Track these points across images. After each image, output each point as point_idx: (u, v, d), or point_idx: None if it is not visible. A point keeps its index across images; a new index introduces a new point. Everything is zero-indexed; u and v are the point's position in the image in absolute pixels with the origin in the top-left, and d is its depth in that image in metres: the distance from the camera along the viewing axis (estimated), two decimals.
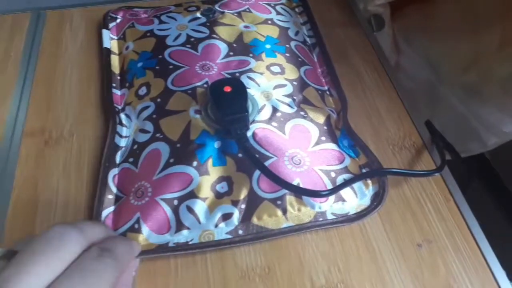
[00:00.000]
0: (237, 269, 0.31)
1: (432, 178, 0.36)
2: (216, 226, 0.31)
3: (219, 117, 0.34)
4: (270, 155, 0.34)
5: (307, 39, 0.47)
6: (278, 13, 0.47)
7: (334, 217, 0.33)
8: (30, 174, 0.36)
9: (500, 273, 0.32)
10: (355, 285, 0.31)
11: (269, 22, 0.45)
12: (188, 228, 0.31)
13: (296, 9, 0.51)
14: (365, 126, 0.40)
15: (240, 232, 0.31)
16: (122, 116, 0.38)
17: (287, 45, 0.43)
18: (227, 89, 0.35)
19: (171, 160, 0.33)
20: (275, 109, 0.37)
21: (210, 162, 0.33)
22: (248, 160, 0.33)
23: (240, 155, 0.34)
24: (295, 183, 0.32)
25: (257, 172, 0.33)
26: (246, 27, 0.44)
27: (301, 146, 0.35)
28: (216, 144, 0.34)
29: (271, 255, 0.32)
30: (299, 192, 0.32)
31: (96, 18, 0.49)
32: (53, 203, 0.34)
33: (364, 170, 0.35)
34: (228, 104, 0.34)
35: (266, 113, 0.36)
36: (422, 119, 0.41)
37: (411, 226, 0.34)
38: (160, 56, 0.41)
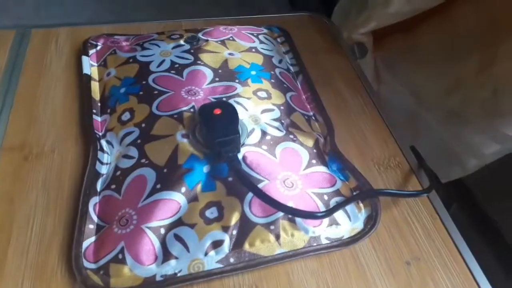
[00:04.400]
0: (224, 287, 0.30)
1: (418, 198, 0.37)
2: (206, 254, 0.30)
3: (209, 140, 0.33)
4: (262, 178, 0.33)
5: (291, 67, 0.48)
6: (261, 41, 0.48)
7: (328, 241, 0.32)
8: (6, 189, 0.34)
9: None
10: None
11: (253, 50, 0.46)
12: (176, 258, 0.29)
13: (278, 39, 0.52)
14: (350, 147, 0.40)
15: (232, 260, 0.30)
16: (103, 142, 0.37)
17: (272, 72, 0.44)
18: (217, 111, 0.34)
19: (158, 186, 0.32)
20: (264, 133, 0.36)
21: (199, 187, 0.32)
22: (240, 182, 0.32)
23: (230, 178, 0.32)
24: None
25: (249, 195, 0.32)
26: (230, 54, 0.44)
27: (292, 169, 0.34)
28: (205, 169, 0.33)
29: (258, 273, 0.31)
30: (295, 214, 0.31)
31: (82, 38, 0.48)
32: (30, 220, 0.32)
33: (355, 193, 0.35)
34: (219, 126, 0.33)
35: (255, 136, 0.36)
36: (406, 142, 0.42)
37: (400, 244, 0.34)
38: (144, 82, 0.40)
